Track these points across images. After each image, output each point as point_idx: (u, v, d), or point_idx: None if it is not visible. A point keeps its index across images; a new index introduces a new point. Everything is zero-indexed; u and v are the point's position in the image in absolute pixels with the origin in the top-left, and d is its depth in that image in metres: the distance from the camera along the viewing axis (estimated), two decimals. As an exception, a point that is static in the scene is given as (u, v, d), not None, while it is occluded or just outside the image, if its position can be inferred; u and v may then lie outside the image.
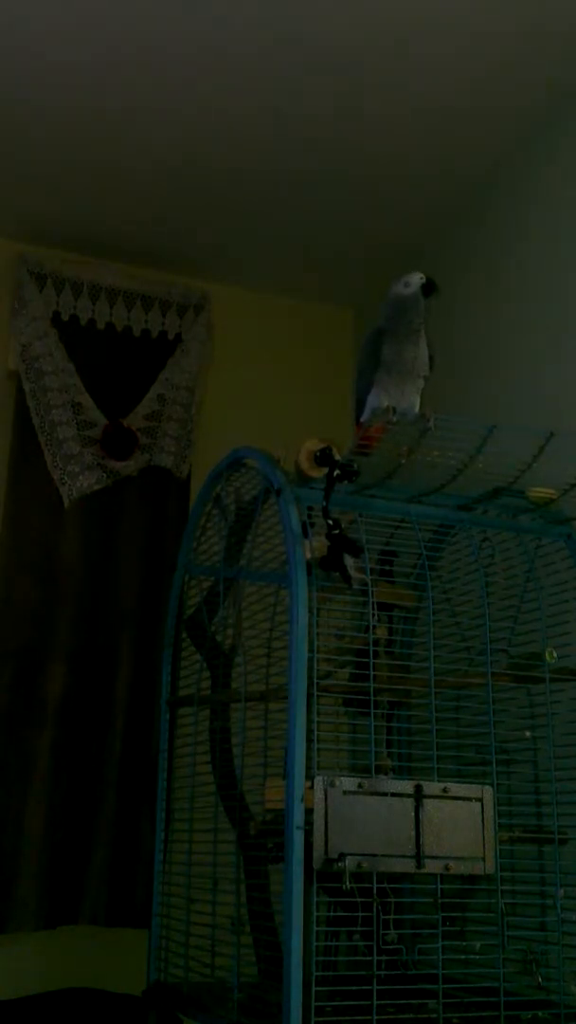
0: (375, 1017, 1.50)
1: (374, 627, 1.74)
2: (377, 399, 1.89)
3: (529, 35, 2.18)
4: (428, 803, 1.62)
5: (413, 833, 1.60)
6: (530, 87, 2.33)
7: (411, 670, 1.89)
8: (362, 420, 1.93)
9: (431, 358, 1.91)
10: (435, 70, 2.29)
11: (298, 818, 1.54)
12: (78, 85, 2.36)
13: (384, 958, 1.58)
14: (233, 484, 2.04)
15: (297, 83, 2.34)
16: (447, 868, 1.61)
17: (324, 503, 1.70)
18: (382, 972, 1.55)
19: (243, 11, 2.13)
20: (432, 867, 1.60)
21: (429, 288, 1.84)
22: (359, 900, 1.56)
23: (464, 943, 1.64)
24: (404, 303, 1.85)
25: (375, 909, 1.56)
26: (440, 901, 1.61)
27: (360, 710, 1.72)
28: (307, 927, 1.52)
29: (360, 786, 1.59)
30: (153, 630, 2.71)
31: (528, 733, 1.83)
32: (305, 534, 1.68)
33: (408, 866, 1.59)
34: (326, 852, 1.54)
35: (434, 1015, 1.57)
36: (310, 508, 1.73)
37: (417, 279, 1.84)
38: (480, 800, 1.66)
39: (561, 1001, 1.66)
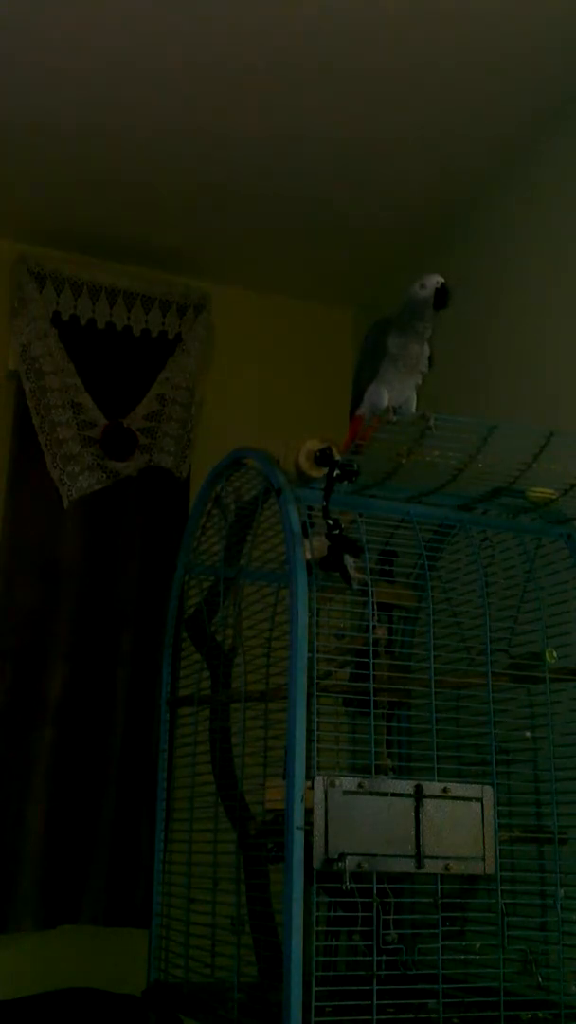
0: (375, 1017, 1.50)
1: (374, 627, 1.74)
2: (378, 392, 1.89)
3: (533, 34, 2.18)
4: (428, 803, 1.62)
5: (413, 833, 1.60)
6: (531, 88, 2.33)
7: (411, 670, 1.89)
8: (359, 412, 1.93)
9: (430, 357, 1.91)
10: (435, 70, 2.29)
11: (298, 818, 1.54)
12: (78, 87, 2.36)
13: (384, 958, 1.58)
14: (233, 484, 2.04)
15: (296, 84, 2.34)
16: (447, 868, 1.61)
17: (324, 503, 1.70)
18: (382, 972, 1.55)
19: (244, 16, 2.13)
20: (432, 867, 1.60)
21: (440, 300, 1.81)
22: (359, 900, 1.56)
23: (464, 943, 1.64)
24: (415, 305, 1.84)
25: (375, 909, 1.56)
26: (440, 901, 1.61)
27: (360, 710, 1.72)
28: (307, 927, 1.52)
29: (360, 786, 1.59)
30: (153, 630, 2.70)
31: (528, 733, 1.83)
32: (305, 534, 1.68)
33: (408, 866, 1.59)
34: (326, 852, 1.54)
35: (434, 1015, 1.57)
36: (310, 508, 1.73)
37: (433, 282, 1.82)
38: (480, 800, 1.66)
39: (561, 1001, 1.66)
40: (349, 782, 1.59)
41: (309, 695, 1.60)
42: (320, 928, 1.58)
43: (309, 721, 1.59)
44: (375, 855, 1.57)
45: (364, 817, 1.58)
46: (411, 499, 1.87)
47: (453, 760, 1.70)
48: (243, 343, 3.20)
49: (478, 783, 1.67)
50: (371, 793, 1.60)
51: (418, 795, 1.62)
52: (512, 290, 2.56)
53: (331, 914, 1.70)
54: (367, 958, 1.56)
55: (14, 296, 2.90)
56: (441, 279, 1.81)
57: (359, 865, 1.55)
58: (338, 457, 1.73)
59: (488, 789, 1.67)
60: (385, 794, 1.60)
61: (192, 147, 2.58)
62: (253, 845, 1.76)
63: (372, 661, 1.69)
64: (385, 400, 1.88)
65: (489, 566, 1.89)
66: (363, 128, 2.49)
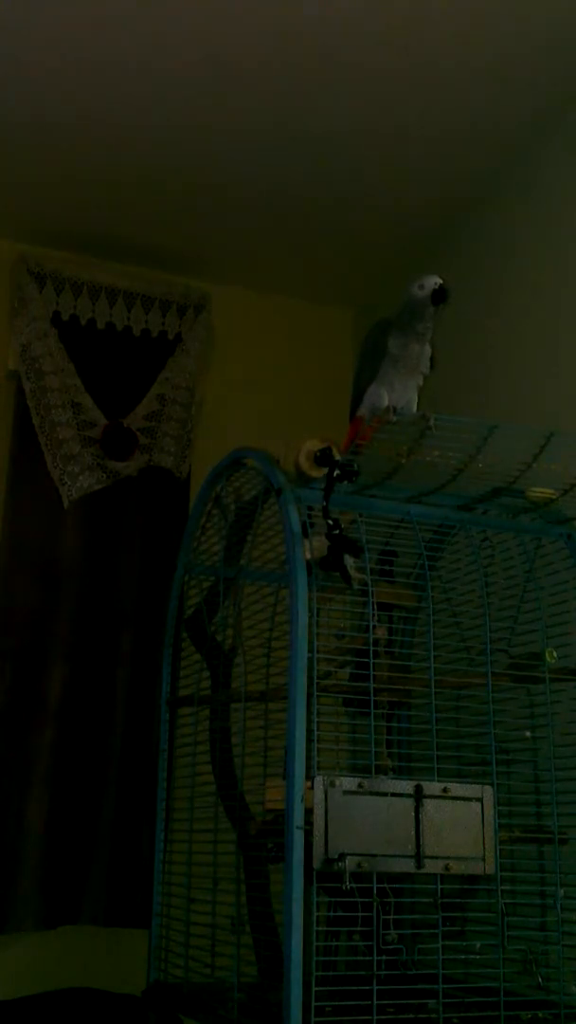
0: (375, 1017, 1.50)
1: (374, 627, 1.74)
2: (378, 394, 1.89)
3: (533, 34, 2.18)
4: (428, 803, 1.62)
5: (413, 833, 1.60)
6: (531, 89, 2.33)
7: (411, 670, 1.89)
8: (359, 413, 1.93)
9: (432, 357, 1.91)
10: (435, 70, 2.29)
11: (298, 818, 1.54)
12: (79, 87, 2.36)
13: (384, 958, 1.58)
14: (233, 484, 2.04)
15: (298, 85, 2.34)
16: (447, 868, 1.61)
17: (324, 503, 1.70)
18: (382, 972, 1.55)
19: (245, 17, 2.13)
20: (432, 867, 1.60)
21: (439, 297, 1.80)
22: (359, 900, 1.56)
23: (464, 943, 1.64)
24: (414, 305, 1.84)
25: (375, 909, 1.56)
26: (440, 901, 1.61)
27: (360, 710, 1.72)
28: (307, 927, 1.52)
29: (360, 786, 1.59)
30: (153, 630, 2.71)
31: (528, 733, 1.83)
32: (305, 534, 1.68)
33: (408, 866, 1.59)
34: (326, 852, 1.54)
35: (434, 1015, 1.57)
36: (310, 508, 1.73)
37: (432, 283, 1.80)
38: (480, 800, 1.66)
39: (561, 1001, 1.66)
40: (349, 782, 1.59)
41: (309, 695, 1.60)
42: (320, 928, 1.58)
43: (309, 721, 1.59)
44: (375, 855, 1.57)
45: (364, 817, 1.58)
46: (411, 499, 1.87)
47: (453, 760, 1.70)
48: (243, 343, 3.19)
49: (478, 783, 1.67)
50: (371, 793, 1.60)
51: (418, 795, 1.62)
52: (512, 290, 2.56)
53: (331, 914, 1.70)
54: (367, 958, 1.56)
55: (14, 296, 2.90)
56: (439, 280, 1.81)
57: (359, 865, 1.55)
58: (338, 457, 1.73)
59: (488, 789, 1.67)
60: (385, 794, 1.60)
61: (192, 147, 2.58)
62: (253, 845, 1.76)
63: (372, 661, 1.69)
64: (385, 400, 1.88)
65: (489, 566, 1.89)
66: (363, 128, 2.49)
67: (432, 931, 1.61)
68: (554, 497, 1.83)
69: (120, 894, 2.63)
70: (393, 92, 2.36)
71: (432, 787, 1.63)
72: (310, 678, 1.61)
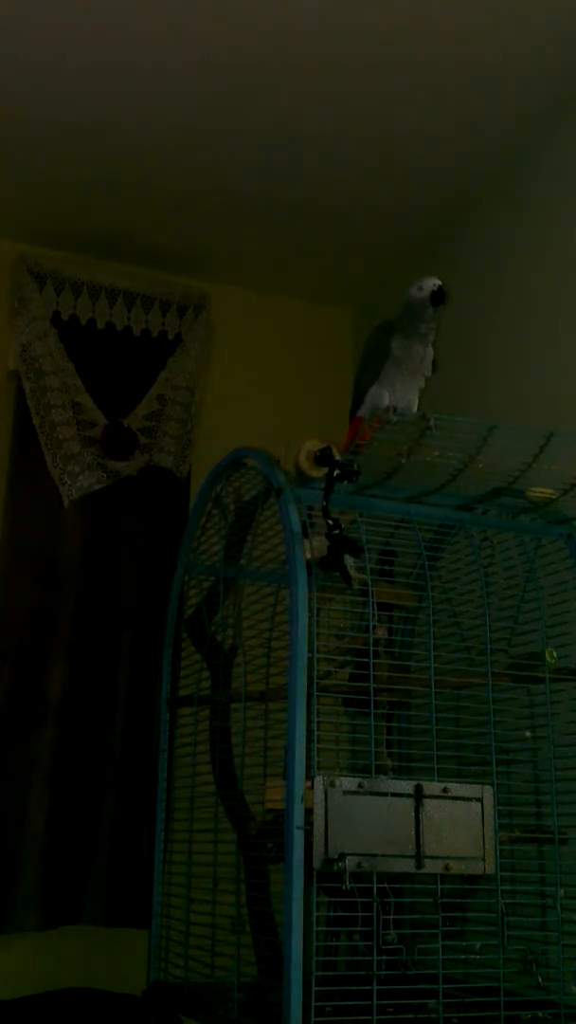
0: (375, 1017, 1.50)
1: (374, 627, 1.74)
2: (379, 394, 1.89)
3: (533, 34, 2.18)
4: (428, 803, 1.62)
5: (413, 833, 1.60)
6: (531, 88, 2.33)
7: (411, 670, 1.89)
8: (360, 413, 1.93)
9: (434, 360, 1.91)
10: (435, 71, 2.29)
11: (298, 818, 1.54)
12: (78, 86, 2.36)
13: (384, 958, 1.58)
14: (233, 484, 2.04)
15: (296, 84, 2.34)
16: (447, 868, 1.61)
17: (324, 503, 1.70)
18: (382, 972, 1.56)
19: (244, 16, 2.13)
20: (432, 867, 1.60)
21: (437, 298, 1.81)
22: (359, 900, 1.56)
23: (464, 943, 1.64)
24: (414, 307, 1.84)
25: (375, 909, 1.56)
26: (440, 901, 1.61)
27: (360, 710, 1.72)
28: (307, 927, 1.52)
29: (360, 786, 1.59)
30: (153, 630, 2.71)
31: (528, 733, 1.83)
32: (305, 534, 1.68)
33: (408, 866, 1.59)
34: (326, 852, 1.54)
35: (434, 1015, 1.57)
36: (310, 508, 1.73)
37: (430, 284, 1.81)
38: (480, 800, 1.66)
39: (561, 1001, 1.66)
40: (349, 782, 1.59)
41: (309, 695, 1.60)
42: (320, 928, 1.58)
43: (309, 721, 1.59)
44: (375, 855, 1.57)
45: (364, 817, 1.58)
46: (411, 499, 1.87)
47: (453, 760, 1.70)
48: (243, 343, 3.20)
49: (478, 783, 1.67)
50: (371, 793, 1.60)
51: (418, 795, 1.62)
52: (512, 290, 2.56)
53: (331, 914, 1.70)
54: (367, 958, 1.56)
55: (14, 296, 2.90)
56: (438, 281, 1.81)
57: (359, 865, 1.55)
58: (338, 457, 1.73)
59: (488, 789, 1.67)
60: (385, 794, 1.60)
61: (192, 147, 2.58)
62: (253, 845, 1.76)
63: (372, 661, 1.69)
64: (386, 401, 1.88)
65: (489, 566, 1.89)
66: (363, 128, 2.49)
67: (432, 931, 1.61)
68: (554, 497, 1.83)
69: (120, 894, 2.63)
70: (393, 92, 2.36)
71: (432, 787, 1.63)
72: (310, 678, 1.61)
